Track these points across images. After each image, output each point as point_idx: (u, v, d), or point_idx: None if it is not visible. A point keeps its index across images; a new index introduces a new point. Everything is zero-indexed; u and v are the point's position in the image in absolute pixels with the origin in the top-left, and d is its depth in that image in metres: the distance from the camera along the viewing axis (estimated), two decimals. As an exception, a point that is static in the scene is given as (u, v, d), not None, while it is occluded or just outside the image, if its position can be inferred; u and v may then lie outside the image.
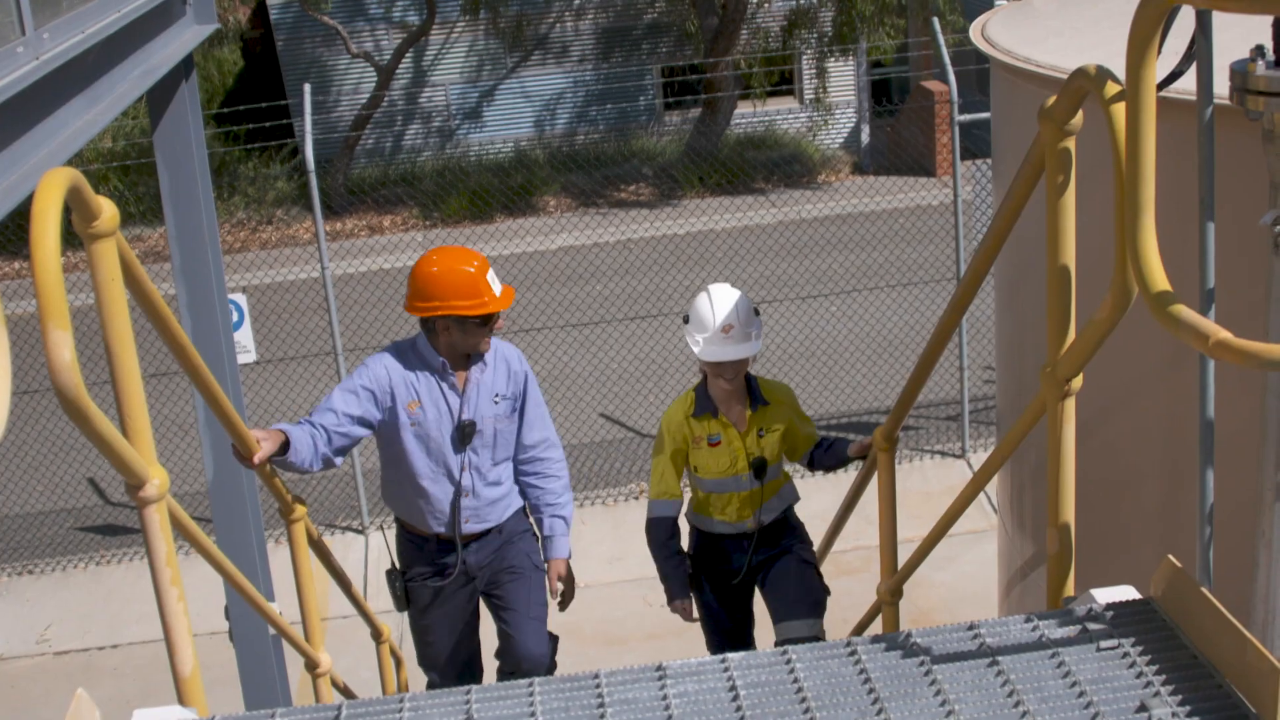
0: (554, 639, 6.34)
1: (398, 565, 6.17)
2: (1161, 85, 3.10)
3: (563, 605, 6.16)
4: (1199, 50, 3.08)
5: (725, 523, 6.16)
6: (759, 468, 6.00)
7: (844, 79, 25.61)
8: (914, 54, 24.98)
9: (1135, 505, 4.86)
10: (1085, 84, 3.17)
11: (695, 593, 6.31)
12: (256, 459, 4.97)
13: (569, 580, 6.14)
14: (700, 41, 24.02)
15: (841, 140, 25.97)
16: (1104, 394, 4.53)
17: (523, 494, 6.16)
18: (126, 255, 3.28)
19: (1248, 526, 3.29)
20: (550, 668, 6.28)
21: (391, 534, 6.33)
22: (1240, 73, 3.06)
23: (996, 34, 5.38)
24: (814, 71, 24.80)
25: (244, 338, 12.04)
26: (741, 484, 6.07)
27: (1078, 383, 3.49)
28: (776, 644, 6.00)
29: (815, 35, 24.09)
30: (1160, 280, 2.84)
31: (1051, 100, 3.32)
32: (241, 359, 11.52)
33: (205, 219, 7.25)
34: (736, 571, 6.22)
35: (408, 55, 25.19)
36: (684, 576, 6.20)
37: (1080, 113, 3.29)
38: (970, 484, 4.31)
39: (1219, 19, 3.08)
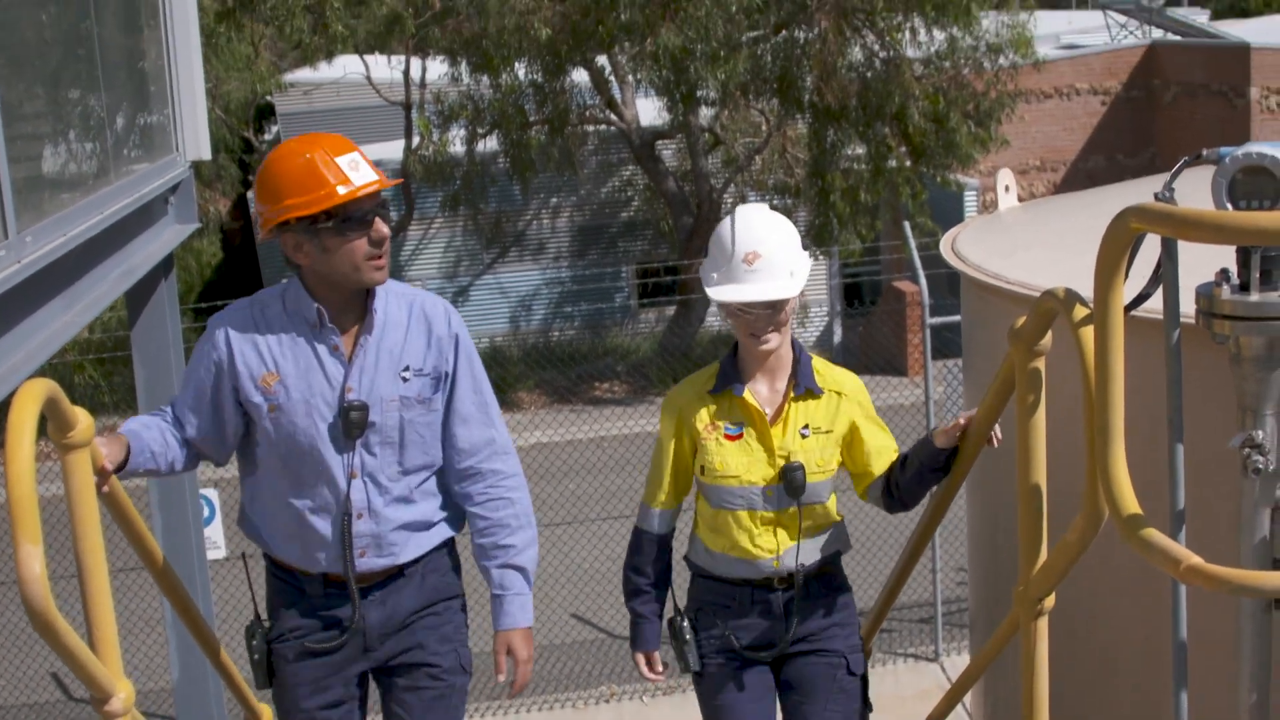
0: None
1: (262, 616, 4.34)
2: (1129, 308, 3.16)
3: (513, 691, 4.23)
4: (1165, 274, 3.14)
5: (742, 561, 4.39)
6: (792, 478, 4.27)
7: (816, 279, 25.92)
8: (885, 257, 25.33)
9: (1110, 720, 4.83)
10: (1054, 306, 3.23)
11: (695, 667, 4.54)
12: (108, 465, 3.67)
13: (524, 659, 4.20)
14: (675, 240, 24.33)
15: (815, 339, 26.20)
16: (1078, 609, 4.52)
17: (458, 524, 4.37)
18: (100, 465, 3.29)
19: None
20: None
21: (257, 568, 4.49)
22: (1206, 296, 3.11)
23: (966, 248, 5.48)
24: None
25: (214, 533, 11.98)
26: (766, 500, 4.34)
27: (1050, 602, 3.50)
28: None
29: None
30: (1130, 504, 2.86)
31: (1021, 321, 3.38)
32: (211, 555, 11.43)
33: (179, 416, 7.26)
34: (764, 645, 4.47)
35: (386, 250, 25.42)
36: (656, 618, 4.59)
37: (1049, 334, 3.35)
38: (945, 699, 4.29)
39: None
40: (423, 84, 24.30)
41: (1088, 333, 3.04)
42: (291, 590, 4.21)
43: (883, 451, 4.36)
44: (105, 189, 5.86)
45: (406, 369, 4.05)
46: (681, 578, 4.68)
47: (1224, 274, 3.09)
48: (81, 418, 3.13)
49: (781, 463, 4.28)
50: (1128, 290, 3.07)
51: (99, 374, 22.69)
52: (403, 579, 4.17)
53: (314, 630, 4.18)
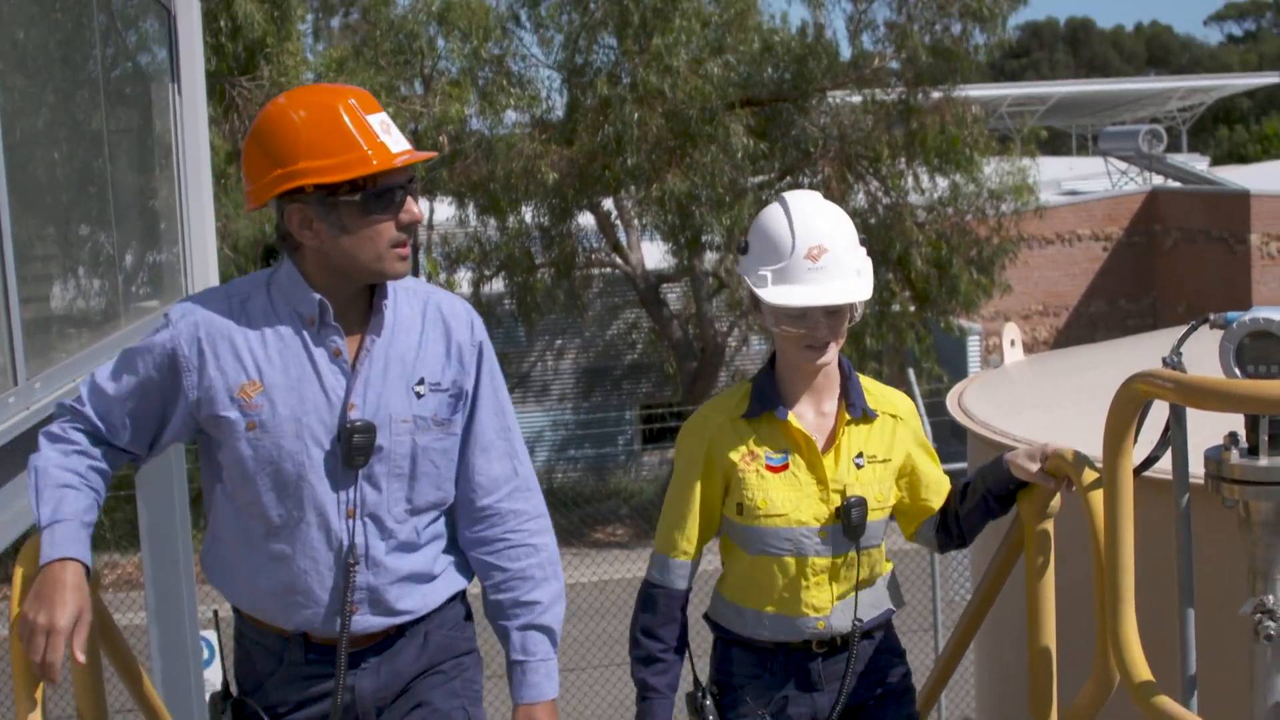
0: None
1: (232, 686, 3.42)
2: (1138, 471, 3.15)
3: None
4: (1174, 438, 3.14)
5: (780, 620, 3.63)
6: (852, 514, 3.53)
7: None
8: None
9: None
10: (1063, 468, 3.23)
11: None
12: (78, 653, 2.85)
13: None
14: (679, 383, 24.39)
15: (818, 482, 26.16)
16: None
17: (469, 571, 3.50)
18: (103, 616, 3.28)
19: None
20: None
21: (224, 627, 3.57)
22: (1214, 460, 3.09)
23: (973, 404, 5.49)
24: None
25: (214, 675, 11.88)
26: (819, 544, 3.57)
27: (1062, 766, 3.46)
28: None
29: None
30: (1142, 670, 2.85)
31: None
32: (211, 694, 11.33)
33: (182, 557, 7.23)
34: (809, 716, 3.68)
35: (390, 389, 25.52)
36: (670, 692, 3.68)
37: (1059, 496, 3.34)
38: None
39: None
40: (430, 225, 24.54)
41: (1097, 496, 3.04)
42: (267, 656, 3.36)
43: (940, 485, 3.71)
44: (115, 333, 5.88)
45: (421, 382, 3.26)
46: (700, 641, 3.87)
47: (1232, 438, 3.08)
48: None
49: (836, 497, 3.55)
50: (1136, 452, 3.07)
51: (101, 510, 22.59)
52: (402, 639, 3.37)
53: (296, 706, 3.34)
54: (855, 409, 3.60)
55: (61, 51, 5.50)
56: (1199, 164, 40.29)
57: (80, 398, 3.17)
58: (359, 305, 3.19)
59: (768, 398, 3.60)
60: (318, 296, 3.12)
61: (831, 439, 3.59)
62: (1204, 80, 48.31)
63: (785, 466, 3.56)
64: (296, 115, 3.05)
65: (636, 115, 19.58)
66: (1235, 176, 35.06)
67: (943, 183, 21.79)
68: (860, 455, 3.59)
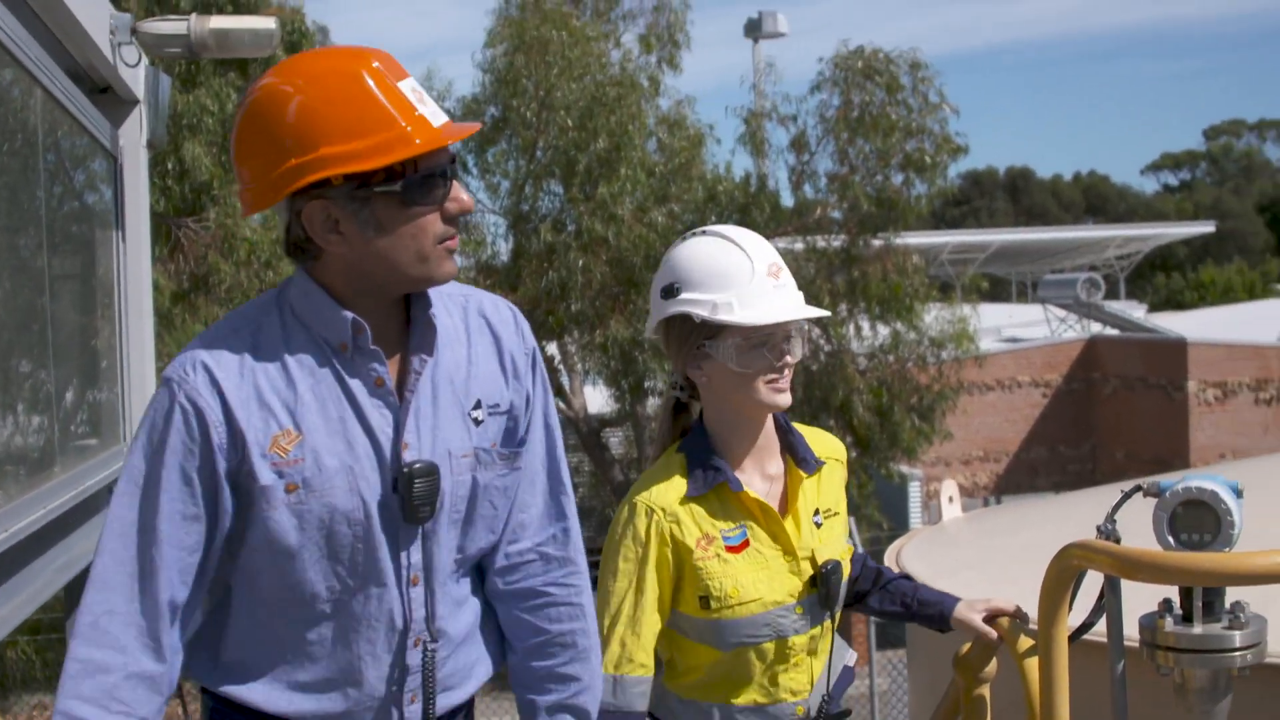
0: None
1: None
2: (1073, 638, 3.16)
3: None
4: (1109, 607, 3.15)
5: (763, 708, 3.15)
6: (830, 581, 3.12)
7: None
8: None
9: None
10: (999, 634, 3.24)
11: None
12: None
13: None
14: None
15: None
16: None
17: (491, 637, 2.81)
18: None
19: None
20: None
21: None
22: (1149, 628, 3.10)
23: (911, 563, 5.50)
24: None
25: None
26: (795, 621, 3.13)
27: None
28: None
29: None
30: (1079, 842, 2.83)
31: (966, 648, 3.38)
32: None
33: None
34: None
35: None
36: None
37: (995, 661, 3.34)
38: None
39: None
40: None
41: (1032, 664, 3.04)
42: None
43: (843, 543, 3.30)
44: (49, 483, 5.82)
45: (477, 405, 2.61)
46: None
47: (1166, 605, 3.10)
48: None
49: (807, 565, 3.12)
50: (1072, 617, 3.08)
51: (32, 649, 22.21)
52: None
53: None
54: (809, 465, 3.17)
55: (8, 191, 5.49)
56: (1136, 311, 40.94)
57: (110, 609, 2.47)
58: (394, 320, 2.57)
59: (706, 469, 3.10)
60: (350, 315, 2.48)
61: (786, 499, 3.17)
62: (1141, 229, 49.24)
63: (746, 544, 3.08)
64: (308, 88, 2.39)
65: (581, 262, 19.69)
66: (1172, 323, 35.64)
67: (884, 330, 21.96)
68: (817, 512, 3.18)
